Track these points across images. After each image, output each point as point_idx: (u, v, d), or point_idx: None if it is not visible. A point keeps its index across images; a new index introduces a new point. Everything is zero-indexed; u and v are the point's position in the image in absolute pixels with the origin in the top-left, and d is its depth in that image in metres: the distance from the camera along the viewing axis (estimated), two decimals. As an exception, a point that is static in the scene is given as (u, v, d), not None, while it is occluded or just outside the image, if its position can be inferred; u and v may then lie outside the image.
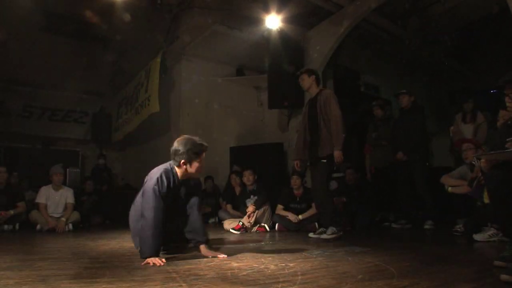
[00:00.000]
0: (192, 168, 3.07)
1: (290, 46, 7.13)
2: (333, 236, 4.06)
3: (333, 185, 6.41)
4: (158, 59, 7.81)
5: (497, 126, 2.92)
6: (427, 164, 5.77)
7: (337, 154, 4.14)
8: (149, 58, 8.26)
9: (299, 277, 2.20)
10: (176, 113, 8.37)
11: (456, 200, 4.62)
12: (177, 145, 3.05)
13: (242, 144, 8.27)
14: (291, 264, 2.62)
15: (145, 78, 8.41)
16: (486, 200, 3.77)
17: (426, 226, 5.11)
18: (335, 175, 6.59)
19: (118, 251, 3.46)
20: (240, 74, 8.90)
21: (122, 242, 4.15)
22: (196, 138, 3.10)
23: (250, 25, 7.01)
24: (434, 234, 4.78)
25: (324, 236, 4.13)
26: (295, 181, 5.73)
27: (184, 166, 3.05)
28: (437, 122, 9.35)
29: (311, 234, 4.46)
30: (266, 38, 7.20)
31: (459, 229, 4.24)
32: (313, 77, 4.53)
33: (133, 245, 3.27)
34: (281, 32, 6.88)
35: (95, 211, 7.39)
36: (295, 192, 5.77)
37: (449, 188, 4.65)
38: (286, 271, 2.39)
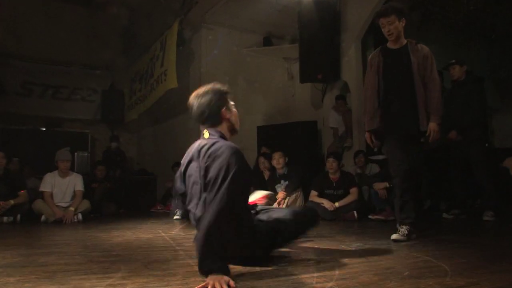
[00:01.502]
0: (233, 114, 2.68)
1: (324, 10, 7.01)
2: (407, 238, 3.43)
3: (374, 168, 6.35)
4: (175, 29, 7.83)
5: None
6: (487, 144, 5.60)
7: (434, 127, 3.53)
8: (164, 27, 8.28)
9: (336, 272, 2.19)
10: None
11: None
12: (202, 98, 2.60)
13: (271, 123, 8.26)
14: (327, 257, 2.61)
15: (160, 51, 8.45)
16: None
17: (486, 218, 4.99)
18: (376, 157, 6.53)
19: (134, 243, 3.53)
20: (268, 44, 8.82)
21: (138, 233, 4.24)
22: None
23: (278, -14, 6.93)
24: (495, 227, 4.65)
25: (395, 236, 3.45)
26: (331, 164, 5.69)
27: (227, 116, 2.62)
28: (501, 95, 9.06)
29: (395, 236, 3.46)
30: (296, 2, 7.09)
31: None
32: (404, 22, 3.77)
33: (150, 236, 3.31)
34: (314, -7, 6.76)
35: (108, 199, 7.53)
36: (331, 176, 5.73)
37: (515, 173, 4.51)
38: (322, 265, 2.39)
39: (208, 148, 2.40)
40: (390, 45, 3.84)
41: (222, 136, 2.56)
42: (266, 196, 5.34)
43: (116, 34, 9.80)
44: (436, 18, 8.15)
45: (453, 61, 5.48)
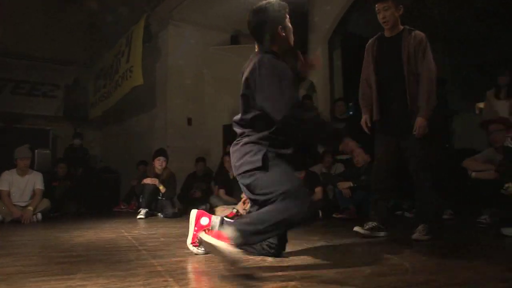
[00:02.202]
0: (287, 31, 2.65)
1: (292, 10, 6.97)
2: (428, 237, 3.35)
3: (340, 168, 6.43)
4: (141, 25, 7.73)
5: None
6: (447, 146, 5.75)
7: (421, 122, 3.34)
8: (131, 23, 8.16)
9: (300, 271, 2.21)
10: (162, 86, 8.32)
11: (481, 187, 4.60)
12: (261, 15, 2.60)
13: (237, 121, 8.23)
14: (291, 256, 2.62)
15: (126, 46, 8.32)
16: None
17: (445, 216, 5.14)
18: (341, 157, 6.61)
19: (95, 243, 3.46)
20: (236, 42, 8.80)
21: (100, 233, 4.15)
22: None
23: (246, -16, 6.92)
24: (454, 225, 4.80)
25: (416, 235, 3.37)
26: (297, 164, 5.73)
27: (282, 35, 2.61)
28: (463, 98, 9.32)
29: (358, 229, 3.54)
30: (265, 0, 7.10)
31: (484, 221, 4.23)
32: (401, 9, 3.56)
33: (112, 236, 3.24)
34: (282, -8, 6.78)
35: (69, 198, 7.38)
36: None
37: (473, 174, 4.62)
38: (285, 264, 2.39)
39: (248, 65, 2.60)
40: (386, 33, 3.66)
41: (274, 54, 2.56)
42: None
43: (81, 28, 9.58)
44: (401, 21, 8.32)
45: None
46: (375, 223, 3.53)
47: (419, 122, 3.35)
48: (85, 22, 9.41)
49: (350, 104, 7.53)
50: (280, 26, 2.57)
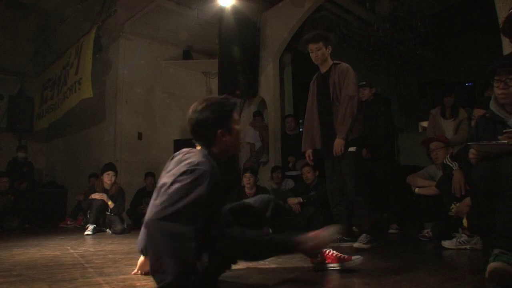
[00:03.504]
0: (233, 136, 2.40)
1: (245, 27, 7.11)
2: (369, 245, 3.65)
3: (290, 183, 6.48)
4: (92, 36, 7.54)
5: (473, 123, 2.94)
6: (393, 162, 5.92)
7: (337, 142, 3.76)
8: (80, 33, 7.96)
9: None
10: (112, 99, 8.13)
11: (423, 203, 4.76)
12: (199, 115, 2.35)
13: (188, 137, 8.08)
14: (241, 273, 2.60)
15: (75, 57, 8.10)
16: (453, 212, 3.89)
17: (391, 230, 5.27)
18: (290, 173, 6.68)
19: (38, 261, 3.29)
20: (188, 57, 8.78)
21: (44, 250, 3.97)
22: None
23: (200, 1, 6.93)
24: (399, 239, 4.93)
25: (357, 244, 3.67)
26: (248, 179, 5.73)
27: (224, 139, 2.35)
28: (406, 116, 9.68)
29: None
30: (218, 17, 7.13)
31: (426, 234, 4.38)
32: (330, 48, 4.05)
33: (57, 253, 3.11)
34: (235, 10, 6.85)
35: (11, 213, 7.06)
36: (247, 191, 5.77)
37: (416, 189, 4.78)
38: (236, 280, 2.37)
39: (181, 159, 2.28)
40: (321, 69, 4.13)
41: (212, 156, 2.30)
42: None
43: (27, 37, 9.24)
44: (350, 42, 8.59)
45: (364, 83, 5.77)
46: (339, 235, 3.75)
47: (336, 142, 3.77)
48: (32, 31, 9.09)
49: (301, 121, 7.64)
50: (220, 130, 2.32)
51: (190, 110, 2.38)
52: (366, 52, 8.75)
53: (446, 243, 3.71)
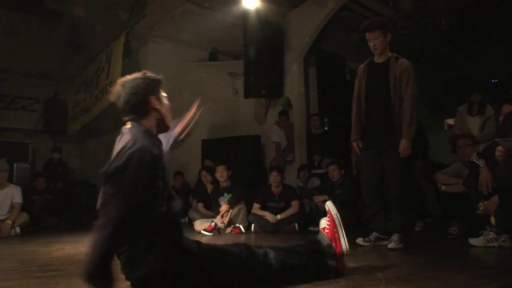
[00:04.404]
0: (164, 106, 2.30)
1: (269, 28, 7.12)
2: (402, 245, 3.58)
3: (316, 182, 6.47)
4: (122, 41, 7.67)
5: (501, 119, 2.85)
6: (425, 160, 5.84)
7: (405, 143, 3.59)
8: (110, 38, 8.10)
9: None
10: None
11: (450, 200, 4.67)
12: (130, 84, 2.21)
13: (215, 136, 8.23)
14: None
15: (106, 62, 8.26)
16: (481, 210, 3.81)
17: (417, 228, 5.21)
18: (316, 171, 6.66)
19: (74, 257, 3.39)
20: (213, 59, 8.83)
21: (79, 247, 4.08)
22: None
23: (225, 4, 6.96)
24: (425, 236, 4.86)
25: (392, 245, 3.58)
26: (274, 177, 5.74)
27: (157, 106, 2.24)
28: (430, 114, 9.51)
29: (360, 241, 3.82)
30: (242, 19, 7.16)
31: (453, 232, 4.30)
32: (389, 37, 3.83)
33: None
34: (259, 12, 6.86)
35: (48, 211, 7.21)
36: (274, 189, 5.78)
37: (443, 187, 4.71)
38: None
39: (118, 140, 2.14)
40: (376, 58, 3.90)
41: (147, 133, 2.14)
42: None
43: (61, 42, 9.45)
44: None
45: None
46: (377, 233, 3.78)
47: (404, 143, 3.58)
48: (64, 38, 9.29)
49: (326, 119, 7.62)
50: (153, 97, 2.20)
51: (117, 86, 2.20)
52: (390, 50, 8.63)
53: (473, 241, 3.61)
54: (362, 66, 4.00)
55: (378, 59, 3.88)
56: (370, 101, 3.86)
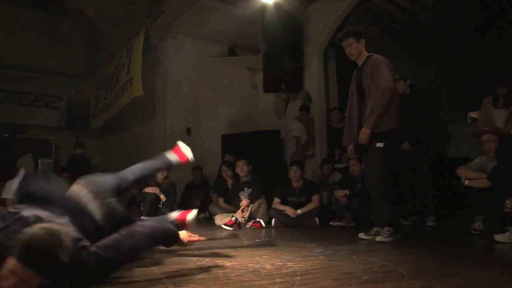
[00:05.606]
0: None
1: (287, 22, 7.08)
2: (390, 238, 3.64)
3: (337, 176, 6.43)
4: (141, 37, 7.75)
5: None
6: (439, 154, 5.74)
7: (363, 132, 3.79)
8: (130, 35, 8.18)
9: (298, 278, 2.20)
10: (161, 97, 8.33)
11: (474, 195, 4.57)
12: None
13: (234, 131, 8.26)
14: (289, 264, 2.62)
15: (126, 59, 8.34)
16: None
17: (428, 223, 5.13)
18: (337, 165, 6.63)
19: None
20: (233, 54, 8.85)
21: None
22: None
23: (243, -2, 6.96)
24: (441, 232, 4.78)
25: (379, 238, 3.67)
26: (294, 172, 5.72)
27: None
28: (454, 107, 9.35)
29: (362, 235, 3.92)
30: (261, 13, 7.14)
31: (477, 227, 4.20)
32: (363, 41, 3.99)
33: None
34: (278, 7, 6.83)
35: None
36: (294, 184, 5.77)
37: (466, 181, 4.60)
38: (284, 271, 2.39)
39: None
40: (357, 63, 4.09)
41: None
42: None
43: (81, 41, 9.60)
44: (393, 34, 8.39)
45: (397, 76, 5.55)
46: (377, 228, 3.81)
47: (362, 131, 3.81)
48: (85, 35, 9.44)
49: (346, 113, 7.55)
50: None
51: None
52: (410, 43, 8.51)
53: (499, 237, 3.50)
54: (354, 73, 4.22)
55: (359, 63, 4.06)
56: (359, 105, 4.06)
